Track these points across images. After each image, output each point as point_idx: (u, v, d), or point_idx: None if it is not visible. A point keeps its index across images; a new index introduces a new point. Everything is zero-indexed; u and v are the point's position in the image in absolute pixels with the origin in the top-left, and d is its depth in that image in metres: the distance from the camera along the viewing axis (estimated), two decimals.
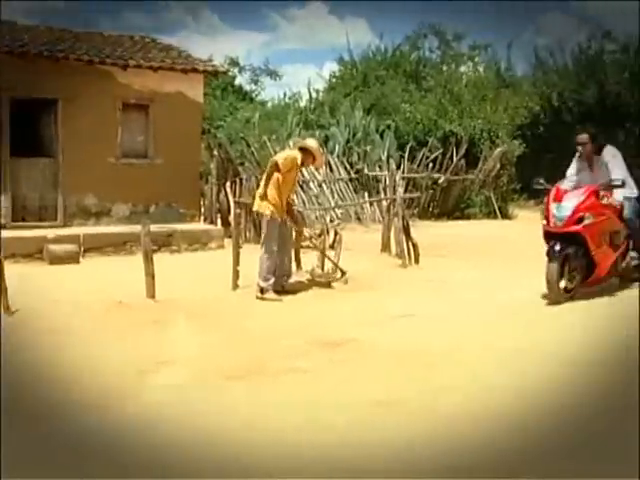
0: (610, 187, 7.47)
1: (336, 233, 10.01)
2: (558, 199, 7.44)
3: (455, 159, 17.78)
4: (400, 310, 7.23)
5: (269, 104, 33.74)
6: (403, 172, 16.74)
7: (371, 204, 17.15)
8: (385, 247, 11.55)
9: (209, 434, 4.04)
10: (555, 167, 21.33)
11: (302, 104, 29.95)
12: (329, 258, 8.91)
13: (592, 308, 7.13)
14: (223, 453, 3.79)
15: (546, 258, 7.26)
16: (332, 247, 9.82)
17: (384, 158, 18.59)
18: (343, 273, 8.84)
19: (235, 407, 4.53)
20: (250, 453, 3.76)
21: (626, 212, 7.68)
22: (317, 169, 16.72)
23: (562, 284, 7.29)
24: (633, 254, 7.93)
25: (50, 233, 11.08)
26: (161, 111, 12.71)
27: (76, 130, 11.91)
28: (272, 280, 8.16)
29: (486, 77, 25.95)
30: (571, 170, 8.08)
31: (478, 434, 4.02)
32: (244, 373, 5.18)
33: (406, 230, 10.54)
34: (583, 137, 7.85)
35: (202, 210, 14.36)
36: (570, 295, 7.37)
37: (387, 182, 16.77)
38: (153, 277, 7.88)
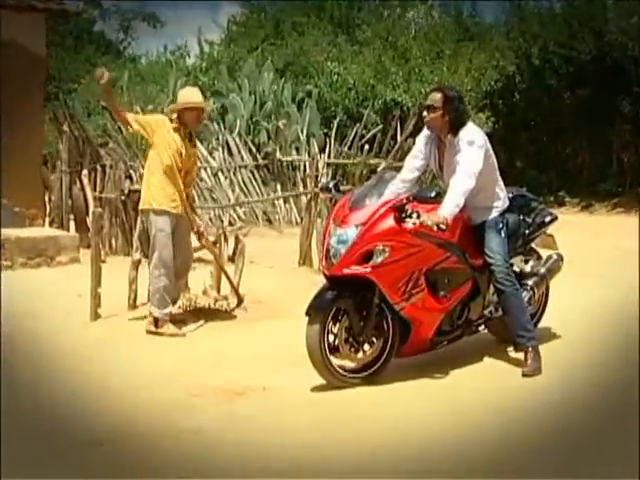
0: (426, 201, 6.00)
1: (237, 240, 10.06)
2: (341, 220, 6.09)
3: (400, 138, 18.04)
4: None
5: (143, 60, 33.59)
6: (329, 156, 16.94)
7: (286, 200, 17.27)
8: (304, 258, 11.65)
9: None
10: (537, 149, 21.92)
11: (190, 62, 29.94)
12: (228, 277, 8.90)
13: None
14: None
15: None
16: (232, 259, 9.86)
17: (303, 138, 18.75)
18: (240, 300, 8.77)
19: None
20: None
21: (487, 245, 6.37)
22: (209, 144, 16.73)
23: (337, 360, 6.05)
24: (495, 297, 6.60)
25: None
26: None
27: None
28: (170, 308, 8.10)
29: (442, 26, 26.40)
30: (414, 151, 6.65)
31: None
32: (109, 436, 5.14)
33: None
34: (433, 98, 6.32)
35: (47, 209, 14.18)
36: (363, 376, 6.11)
37: (307, 170, 16.99)
38: None
